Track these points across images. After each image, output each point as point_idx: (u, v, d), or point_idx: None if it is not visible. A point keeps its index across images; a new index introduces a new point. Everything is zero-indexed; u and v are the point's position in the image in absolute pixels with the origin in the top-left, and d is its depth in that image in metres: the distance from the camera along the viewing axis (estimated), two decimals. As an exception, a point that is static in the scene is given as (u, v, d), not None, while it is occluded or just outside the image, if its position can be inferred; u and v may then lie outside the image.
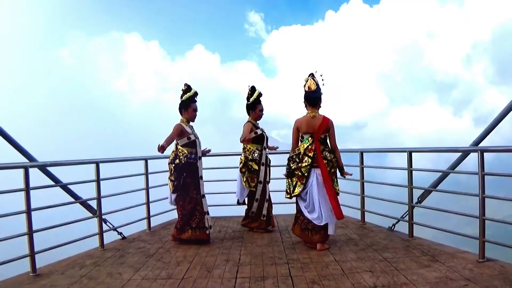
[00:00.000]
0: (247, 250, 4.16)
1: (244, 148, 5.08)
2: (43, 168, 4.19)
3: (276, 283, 3.12)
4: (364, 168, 5.32)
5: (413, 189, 4.49)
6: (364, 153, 5.34)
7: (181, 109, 4.56)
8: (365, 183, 5.30)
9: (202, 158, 4.63)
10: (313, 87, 4.12)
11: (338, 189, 4.16)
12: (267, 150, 5.10)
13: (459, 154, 4.38)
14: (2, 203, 3.53)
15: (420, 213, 4.63)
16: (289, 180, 4.19)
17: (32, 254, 3.50)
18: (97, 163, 4.40)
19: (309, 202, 4.08)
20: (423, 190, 4.65)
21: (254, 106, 5.05)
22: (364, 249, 4.01)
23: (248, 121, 5.06)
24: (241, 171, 5.03)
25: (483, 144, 4.22)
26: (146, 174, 5.28)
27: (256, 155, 4.97)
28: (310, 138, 4.09)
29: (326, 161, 4.05)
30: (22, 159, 4.09)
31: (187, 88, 4.54)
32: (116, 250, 4.35)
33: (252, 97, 5.03)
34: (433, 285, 2.92)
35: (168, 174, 4.51)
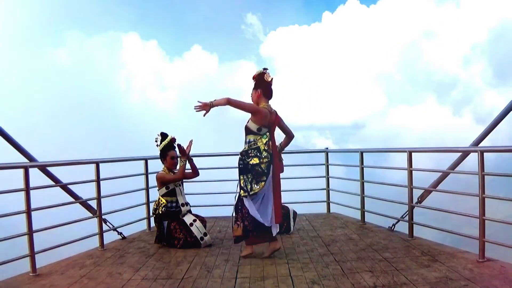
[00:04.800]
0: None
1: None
2: (43, 168, 4.19)
3: (276, 283, 3.12)
4: (364, 168, 5.32)
5: (413, 189, 4.49)
6: (364, 153, 5.34)
7: (160, 158, 4.57)
8: (365, 183, 5.30)
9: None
10: (269, 78, 3.92)
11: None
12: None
13: (459, 154, 4.38)
14: (2, 203, 3.53)
15: (420, 213, 4.63)
16: (245, 177, 3.77)
17: (32, 254, 3.50)
18: (97, 163, 4.40)
19: (261, 202, 3.79)
20: (423, 190, 4.66)
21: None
22: (364, 249, 4.01)
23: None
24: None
25: (483, 144, 4.23)
26: (146, 174, 5.28)
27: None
28: (268, 133, 3.87)
29: (279, 158, 4.02)
30: (22, 159, 4.10)
31: (163, 136, 4.51)
32: (116, 250, 4.35)
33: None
34: (433, 285, 2.92)
35: None
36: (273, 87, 3.98)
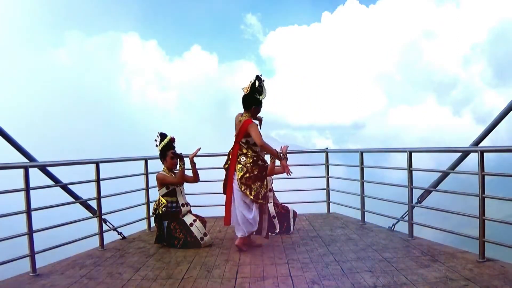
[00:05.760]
0: (247, 250, 4.16)
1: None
2: (43, 168, 4.19)
3: (276, 283, 3.12)
4: (364, 168, 5.32)
5: (413, 189, 4.49)
6: (364, 153, 5.34)
7: (160, 158, 4.58)
8: (365, 183, 5.30)
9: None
10: (245, 90, 4.00)
11: (252, 195, 3.95)
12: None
13: (459, 154, 4.38)
14: (2, 203, 3.53)
15: (420, 213, 4.63)
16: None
17: (32, 254, 3.50)
18: (97, 163, 4.40)
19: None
20: (423, 190, 4.66)
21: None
22: (364, 249, 4.02)
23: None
24: None
25: (483, 144, 4.23)
26: (146, 174, 5.28)
27: None
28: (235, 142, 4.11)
29: (240, 166, 3.99)
30: (22, 159, 4.09)
31: (162, 137, 4.52)
32: (116, 250, 4.35)
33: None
34: (433, 285, 2.93)
35: None
36: (244, 95, 4.01)
